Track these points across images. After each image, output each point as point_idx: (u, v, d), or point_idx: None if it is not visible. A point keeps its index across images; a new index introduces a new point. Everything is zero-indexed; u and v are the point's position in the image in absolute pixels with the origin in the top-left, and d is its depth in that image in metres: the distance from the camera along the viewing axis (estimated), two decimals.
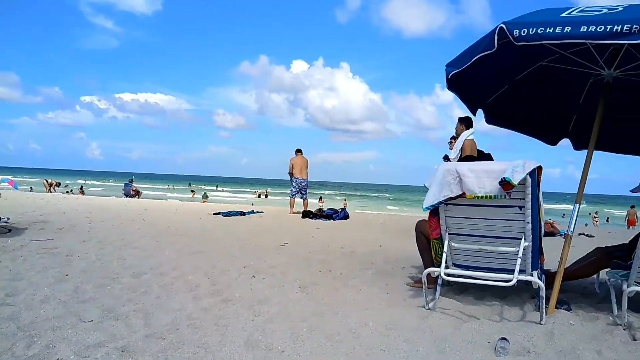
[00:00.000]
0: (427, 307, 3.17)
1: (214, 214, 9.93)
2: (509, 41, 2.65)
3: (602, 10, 2.54)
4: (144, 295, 3.31)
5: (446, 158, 5.61)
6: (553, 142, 4.47)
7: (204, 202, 25.02)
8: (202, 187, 54.99)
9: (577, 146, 4.36)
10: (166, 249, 5.23)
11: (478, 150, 5.63)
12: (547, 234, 8.66)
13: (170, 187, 55.81)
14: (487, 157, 5.68)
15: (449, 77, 3.31)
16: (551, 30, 2.46)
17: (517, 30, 2.56)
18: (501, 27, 2.64)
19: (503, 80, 3.93)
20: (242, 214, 10.13)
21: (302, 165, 11.08)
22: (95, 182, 58.60)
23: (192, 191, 41.37)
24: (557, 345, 2.55)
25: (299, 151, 11.24)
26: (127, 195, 20.62)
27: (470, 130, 5.60)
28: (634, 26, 2.28)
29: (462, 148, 5.52)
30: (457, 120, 5.83)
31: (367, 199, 51.15)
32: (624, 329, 2.81)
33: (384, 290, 3.70)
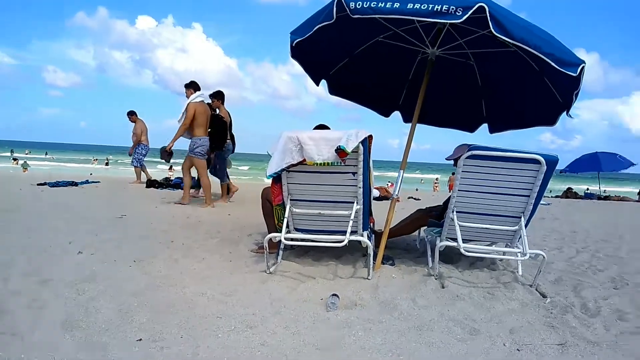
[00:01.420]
0: (268, 272, 3.24)
1: (39, 184, 8.70)
2: (347, 14, 2.74)
3: None
4: None
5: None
6: (386, 114, 4.86)
7: (25, 171, 21.68)
8: (27, 154, 47.73)
9: (406, 119, 4.80)
10: None
11: (213, 115, 6.84)
12: (382, 198, 9.55)
13: None
14: (218, 118, 6.92)
15: (293, 44, 3.33)
16: (382, 5, 2.62)
17: (353, 3, 2.66)
18: None
19: (344, 53, 4.10)
20: (74, 184, 9.05)
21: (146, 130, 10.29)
22: None
23: (14, 159, 35.62)
24: (380, 297, 2.83)
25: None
26: None
27: (198, 93, 6.45)
28: (451, 7, 2.54)
29: (186, 109, 6.32)
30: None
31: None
32: (436, 279, 3.24)
33: (227, 259, 3.68)
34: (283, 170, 3.06)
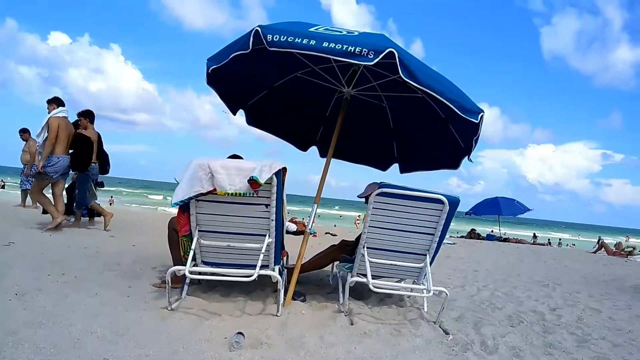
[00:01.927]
0: (169, 308, 3.01)
1: None
2: (265, 46, 2.75)
3: (342, 32, 2.88)
4: None
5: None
6: (304, 148, 4.91)
7: None
8: None
9: (322, 154, 4.87)
10: None
11: (77, 133, 6.52)
12: (299, 233, 9.54)
13: None
14: (83, 138, 6.58)
15: (209, 71, 3.27)
16: (299, 41, 2.66)
17: (271, 35, 2.68)
18: (256, 30, 2.72)
19: (263, 85, 4.11)
20: None
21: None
22: None
23: None
24: (288, 334, 2.73)
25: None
26: None
27: (60, 108, 6.19)
28: (364, 50, 2.64)
29: (48, 124, 6.03)
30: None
31: (133, 196, 47.46)
32: (346, 315, 3.21)
33: (125, 293, 3.38)
34: (191, 199, 2.91)
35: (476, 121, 3.01)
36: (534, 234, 23.99)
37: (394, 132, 4.50)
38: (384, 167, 4.84)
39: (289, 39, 2.67)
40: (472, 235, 17.81)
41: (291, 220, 10.45)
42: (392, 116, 4.35)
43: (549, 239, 25.29)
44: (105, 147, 7.16)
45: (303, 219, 10.94)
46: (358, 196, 3.72)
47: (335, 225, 19.53)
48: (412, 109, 3.97)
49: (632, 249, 13.96)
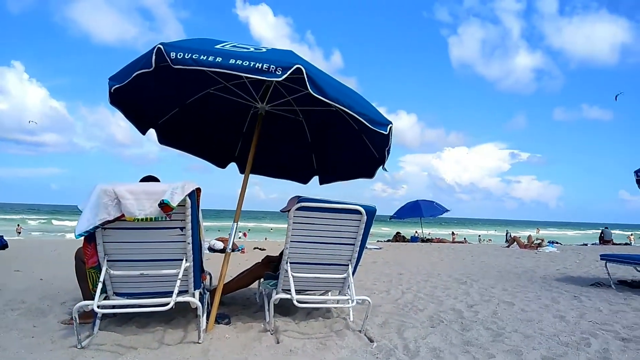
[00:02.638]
0: (79, 347, 2.78)
1: None
2: (169, 64, 2.66)
3: (249, 49, 2.86)
4: None
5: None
6: (222, 165, 4.80)
7: None
8: None
9: (242, 170, 4.79)
10: None
11: None
12: (224, 250, 9.31)
13: None
14: None
15: (112, 91, 3.10)
16: (204, 58, 2.60)
17: (174, 53, 2.59)
18: (159, 48, 2.62)
19: (173, 102, 3.97)
20: None
21: None
22: None
23: None
24: None
25: None
26: None
27: None
28: (271, 66, 2.63)
29: None
30: None
31: (44, 223, 43.77)
32: (272, 334, 3.16)
33: (29, 334, 3.08)
34: (97, 227, 2.72)
35: (385, 132, 3.12)
36: (452, 232, 25.39)
37: (312, 145, 4.54)
38: (304, 180, 4.87)
39: (193, 57, 2.60)
40: (398, 238, 18.44)
41: (219, 239, 10.18)
42: (309, 130, 4.39)
43: (464, 238, 26.82)
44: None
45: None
46: (281, 210, 3.70)
47: (265, 239, 19.34)
48: (327, 122, 4.03)
49: (540, 241, 15.17)
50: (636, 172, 6.45)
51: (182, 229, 2.90)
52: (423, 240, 17.76)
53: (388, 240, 18.66)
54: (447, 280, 6.18)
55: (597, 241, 21.53)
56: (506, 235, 26.68)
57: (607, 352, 2.96)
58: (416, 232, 20.19)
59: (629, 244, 21.30)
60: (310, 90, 2.68)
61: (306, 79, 2.65)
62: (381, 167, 3.83)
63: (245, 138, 4.54)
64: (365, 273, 6.74)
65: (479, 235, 33.92)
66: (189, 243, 2.93)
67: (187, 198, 2.80)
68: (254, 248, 10.34)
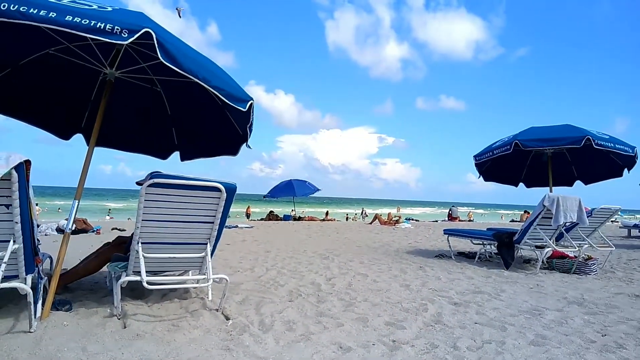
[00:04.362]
0: None
1: None
2: None
3: (92, 6, 2.55)
4: None
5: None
6: (66, 136, 4.28)
7: None
8: None
9: (88, 142, 4.34)
10: None
11: None
12: (79, 231, 8.50)
13: None
14: None
15: None
16: (35, 12, 2.26)
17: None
18: None
19: (4, 62, 3.41)
20: None
21: None
22: None
23: None
24: (42, 352, 2.37)
25: None
26: None
27: None
28: (116, 27, 2.39)
29: None
30: None
31: None
32: (119, 319, 2.96)
33: None
34: None
35: (244, 109, 3.05)
36: (327, 211, 26.54)
37: (172, 118, 4.28)
38: (163, 155, 4.57)
39: (21, 9, 2.24)
40: (271, 217, 18.69)
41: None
42: (169, 102, 4.13)
43: (329, 215, 28.08)
44: None
45: (85, 219, 9.74)
46: (137, 183, 3.45)
47: (129, 219, 18.07)
48: (188, 95, 3.82)
49: (398, 217, 16.59)
50: (475, 156, 7.34)
51: (7, 206, 2.54)
52: (295, 219, 18.22)
53: (261, 219, 18.79)
54: (312, 256, 6.42)
55: (447, 218, 24.32)
56: (362, 212, 28.72)
57: (440, 315, 3.34)
58: (292, 210, 20.61)
59: (471, 221, 24.39)
60: (160, 58, 2.49)
61: (156, 45, 2.46)
62: (245, 144, 3.77)
63: (93, 107, 4.09)
64: (232, 252, 6.69)
65: (347, 214, 35.89)
66: (17, 222, 2.57)
67: (14, 172, 2.44)
68: (113, 229, 9.58)
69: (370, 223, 16.54)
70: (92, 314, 3.06)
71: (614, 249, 6.37)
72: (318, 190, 19.40)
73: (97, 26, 2.32)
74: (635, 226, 13.45)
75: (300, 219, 18.44)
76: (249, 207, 26.08)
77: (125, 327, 2.82)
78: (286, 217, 18.69)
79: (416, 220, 22.29)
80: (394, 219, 16.09)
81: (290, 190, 18.87)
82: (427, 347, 2.63)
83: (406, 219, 19.13)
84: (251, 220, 19.02)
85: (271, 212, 19.59)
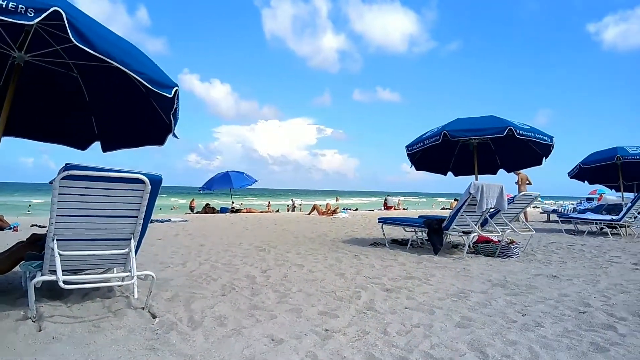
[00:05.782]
0: None
1: None
2: None
3: None
4: None
5: None
6: None
7: None
8: None
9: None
10: None
11: None
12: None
13: None
14: None
15: None
16: None
17: None
18: None
19: None
20: None
21: None
22: None
23: None
24: None
25: None
26: None
27: None
28: (20, 6, 2.17)
29: None
30: None
31: None
32: (33, 322, 2.74)
33: None
34: None
35: (169, 95, 2.90)
36: (269, 202, 26.33)
37: (91, 106, 3.99)
38: (82, 145, 4.27)
39: None
40: (207, 210, 18.23)
41: None
42: (87, 88, 3.84)
43: (271, 207, 28.00)
44: None
45: (1, 216, 8.93)
46: (50, 182, 3.19)
47: None
48: (109, 80, 3.57)
49: (336, 208, 16.80)
50: (407, 146, 7.55)
51: None
52: (232, 211, 17.91)
53: (197, 212, 18.29)
54: (248, 249, 6.32)
55: (382, 207, 24.97)
56: (292, 203, 28.92)
57: (372, 302, 3.40)
58: (232, 202, 20.18)
59: (405, 209, 25.22)
60: (72, 39, 2.30)
61: (67, 25, 2.26)
62: (171, 134, 3.60)
63: (2, 94, 3.74)
64: (163, 247, 6.44)
65: (287, 205, 35.88)
66: None
67: None
68: (32, 225, 8.89)
69: (309, 214, 16.62)
70: (4, 317, 2.81)
71: (535, 232, 6.82)
72: (256, 181, 19.17)
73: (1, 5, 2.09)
74: (554, 211, 14.55)
75: (237, 211, 18.15)
76: (193, 199, 25.21)
77: (40, 330, 2.62)
78: (223, 210, 18.31)
79: (354, 210, 22.71)
80: (331, 209, 16.27)
81: (227, 182, 18.48)
82: (358, 334, 2.66)
83: (344, 209, 19.42)
84: (186, 214, 18.45)
85: (207, 204, 19.10)
